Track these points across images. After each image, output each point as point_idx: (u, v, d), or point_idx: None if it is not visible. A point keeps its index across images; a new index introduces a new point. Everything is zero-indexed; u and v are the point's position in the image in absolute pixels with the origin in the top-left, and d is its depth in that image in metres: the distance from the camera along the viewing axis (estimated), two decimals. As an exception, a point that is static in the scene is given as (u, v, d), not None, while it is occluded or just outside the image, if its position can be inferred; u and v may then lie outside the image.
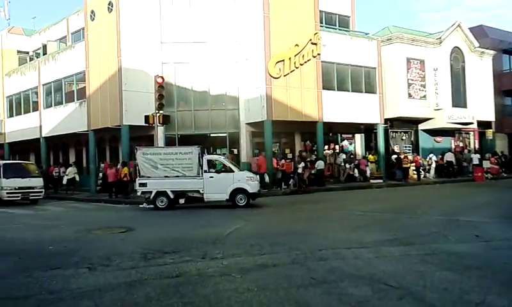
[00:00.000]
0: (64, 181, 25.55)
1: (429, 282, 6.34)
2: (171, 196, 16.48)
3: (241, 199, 16.50)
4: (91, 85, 25.32)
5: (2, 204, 19.73)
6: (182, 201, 16.80)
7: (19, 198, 20.53)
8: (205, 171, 16.53)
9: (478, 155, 30.28)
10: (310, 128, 25.33)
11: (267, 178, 21.84)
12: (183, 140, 24.31)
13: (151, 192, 16.51)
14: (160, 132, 22.41)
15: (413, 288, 6.10)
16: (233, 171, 16.92)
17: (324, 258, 7.96)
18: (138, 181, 16.68)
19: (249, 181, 16.72)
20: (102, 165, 24.58)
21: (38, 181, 21.50)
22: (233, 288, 6.27)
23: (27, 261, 8.39)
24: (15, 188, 20.44)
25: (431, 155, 29.91)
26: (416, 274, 6.74)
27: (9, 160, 28.93)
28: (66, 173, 25.72)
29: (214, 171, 16.85)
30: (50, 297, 6.10)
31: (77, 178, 25.78)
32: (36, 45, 33.52)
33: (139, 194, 17.01)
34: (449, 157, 29.36)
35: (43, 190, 21.63)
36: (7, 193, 20.26)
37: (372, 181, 26.25)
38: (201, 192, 16.49)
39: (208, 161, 16.96)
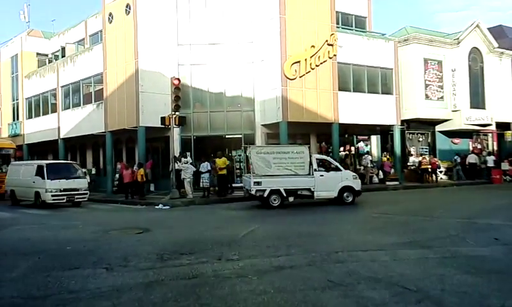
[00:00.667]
0: None
1: (448, 285, 6.28)
2: (284, 194, 16.72)
3: (348, 197, 17.18)
4: (109, 87, 25.59)
5: (45, 207, 18.82)
6: (291, 199, 17.05)
7: (64, 201, 19.15)
8: (315, 170, 16.99)
9: (493, 157, 29.77)
10: (326, 130, 25.23)
11: None
12: (198, 141, 24.46)
13: (264, 190, 16.56)
14: (175, 134, 22.54)
15: (431, 291, 6.04)
16: (340, 170, 17.66)
17: (341, 260, 7.93)
18: (253, 180, 16.58)
19: (354, 180, 17.53)
20: (119, 166, 24.80)
21: (83, 183, 20.14)
22: (250, 289, 6.27)
23: (46, 261, 8.51)
24: (60, 190, 18.98)
25: (456, 157, 29.49)
26: (434, 278, 6.67)
27: (29, 161, 29.11)
28: None
29: (323, 169, 17.44)
30: (69, 297, 6.18)
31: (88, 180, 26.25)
32: (55, 48, 33.99)
33: (253, 192, 16.67)
34: (472, 158, 29.02)
35: (88, 192, 20.25)
36: (52, 195, 18.79)
37: (388, 183, 26.04)
38: (312, 190, 16.85)
39: (318, 160, 17.67)
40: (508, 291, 6.08)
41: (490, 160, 29.03)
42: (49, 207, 18.91)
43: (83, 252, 9.15)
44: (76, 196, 19.55)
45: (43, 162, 20.95)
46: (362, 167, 26.88)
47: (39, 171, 19.53)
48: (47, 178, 18.99)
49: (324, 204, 17.02)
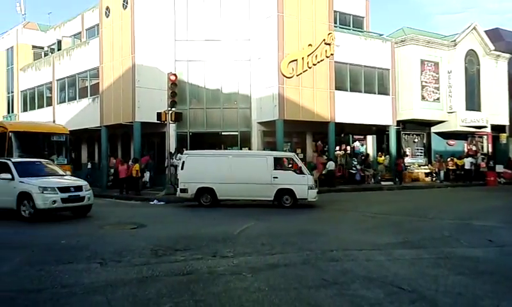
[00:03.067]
0: None
1: (442, 286, 6.29)
2: None
3: None
4: (105, 81, 25.48)
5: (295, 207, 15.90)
6: None
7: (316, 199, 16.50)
8: None
9: (470, 159, 29.43)
10: (322, 129, 25.24)
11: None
12: (194, 138, 24.39)
13: None
14: (171, 130, 22.47)
15: (425, 292, 6.05)
16: None
17: (336, 259, 7.93)
18: None
19: None
20: (114, 161, 24.69)
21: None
22: (244, 287, 6.26)
23: (40, 254, 8.47)
24: None
25: (469, 158, 29.33)
26: (429, 278, 6.69)
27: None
28: None
29: None
30: (63, 291, 6.14)
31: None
32: (51, 41, 33.82)
33: None
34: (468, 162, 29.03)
35: None
36: (316, 193, 16.48)
37: (382, 183, 26.10)
38: None
39: None
40: (502, 293, 6.10)
41: (467, 163, 28.75)
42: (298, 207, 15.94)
43: (77, 247, 9.10)
44: None
45: (291, 154, 17.92)
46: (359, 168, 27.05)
47: (284, 164, 16.58)
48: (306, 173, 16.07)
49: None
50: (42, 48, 34.84)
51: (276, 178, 15.77)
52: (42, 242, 9.68)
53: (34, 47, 35.20)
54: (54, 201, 12.70)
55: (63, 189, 13.10)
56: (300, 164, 16.19)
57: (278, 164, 16.19)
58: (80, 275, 6.84)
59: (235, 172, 15.86)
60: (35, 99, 32.92)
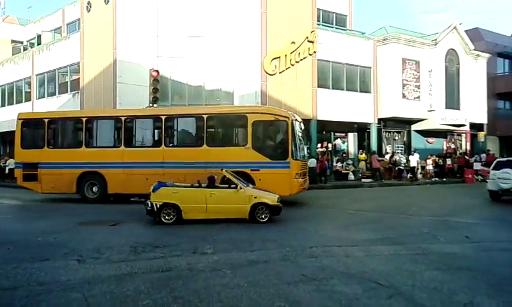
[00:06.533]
0: (7, 171, 26.19)
1: (419, 281, 6.39)
2: None
3: None
4: (85, 76, 25.18)
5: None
6: None
7: None
8: None
9: (417, 157, 27.70)
10: (304, 126, 25.20)
11: None
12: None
13: None
14: (153, 126, 22.28)
15: (402, 287, 6.14)
16: None
17: (315, 255, 7.98)
18: None
19: None
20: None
21: None
22: (224, 283, 6.27)
23: (15, 252, 8.34)
24: None
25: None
26: (406, 273, 6.79)
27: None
28: (7, 164, 26.39)
29: None
30: (39, 289, 6.06)
31: None
32: (31, 35, 33.29)
33: None
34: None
35: None
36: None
37: (363, 180, 26.30)
38: None
39: None
40: (477, 288, 6.21)
41: (413, 160, 27.49)
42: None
43: (54, 244, 8.99)
44: None
45: None
46: (340, 165, 27.23)
47: None
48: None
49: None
50: (21, 42, 34.31)
51: None
52: (18, 239, 9.49)
53: (13, 41, 34.68)
54: None
55: None
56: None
57: None
58: (57, 273, 6.76)
59: None
60: (13, 94, 32.36)
